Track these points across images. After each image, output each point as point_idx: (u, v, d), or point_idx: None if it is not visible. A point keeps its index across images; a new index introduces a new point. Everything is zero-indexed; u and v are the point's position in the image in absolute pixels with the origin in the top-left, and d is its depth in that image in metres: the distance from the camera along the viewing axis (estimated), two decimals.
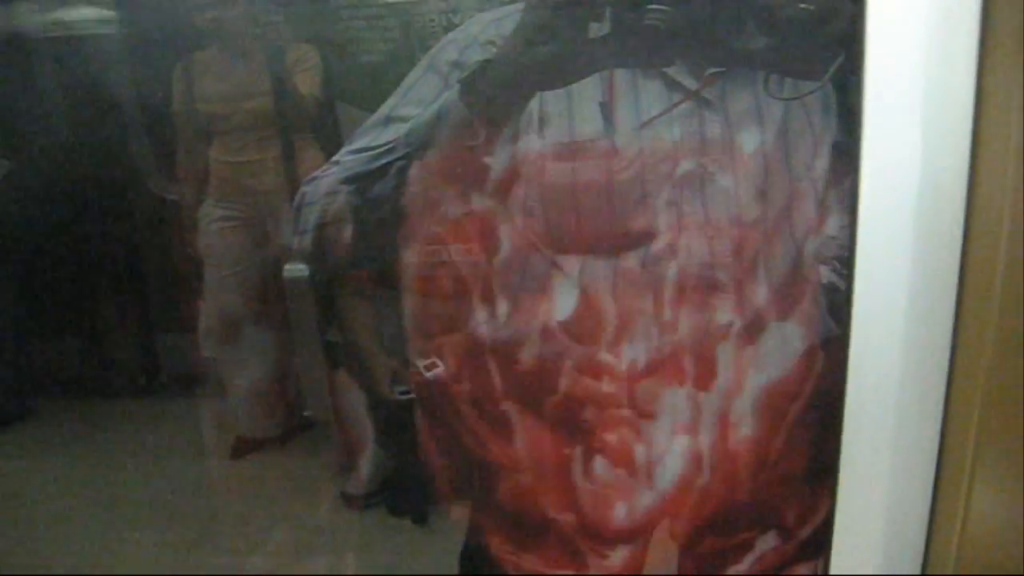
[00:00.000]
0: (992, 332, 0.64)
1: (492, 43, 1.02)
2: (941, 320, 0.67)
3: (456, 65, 1.04)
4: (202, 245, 2.68)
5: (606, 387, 1.06)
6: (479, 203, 1.10)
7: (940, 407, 0.70)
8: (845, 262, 0.76)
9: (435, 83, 1.04)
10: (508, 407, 1.16)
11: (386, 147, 1.02)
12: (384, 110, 1.07)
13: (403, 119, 1.04)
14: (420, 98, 1.04)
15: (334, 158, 1.08)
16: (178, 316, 2.84)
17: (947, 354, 0.68)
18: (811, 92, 0.99)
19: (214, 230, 2.66)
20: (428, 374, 2.17)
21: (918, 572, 0.75)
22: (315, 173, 1.09)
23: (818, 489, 1.06)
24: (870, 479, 0.73)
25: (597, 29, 0.93)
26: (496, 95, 0.94)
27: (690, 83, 1.01)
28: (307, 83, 2.51)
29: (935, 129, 0.64)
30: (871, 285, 0.68)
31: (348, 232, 1.05)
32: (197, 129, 2.61)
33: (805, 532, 1.15)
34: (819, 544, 0.99)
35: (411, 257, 2.27)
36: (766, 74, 0.99)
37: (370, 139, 1.05)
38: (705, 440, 1.10)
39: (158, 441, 2.88)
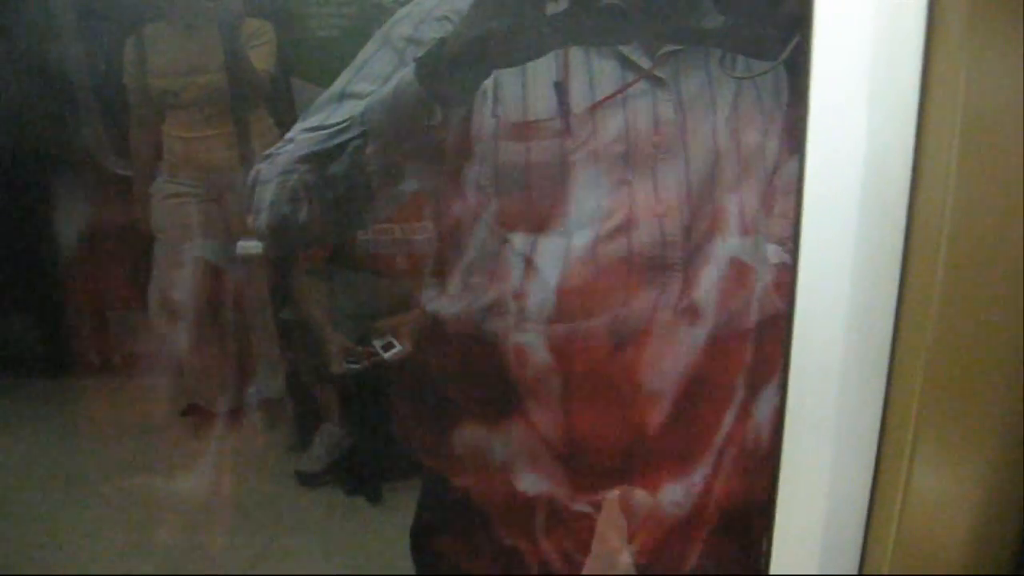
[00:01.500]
0: (934, 317, 0.65)
1: (447, 18, 1.02)
2: (884, 301, 0.68)
3: (411, 40, 1.03)
4: (154, 221, 2.65)
5: (557, 364, 1.07)
6: (432, 180, 1.10)
7: (881, 398, 0.71)
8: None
9: (390, 58, 1.04)
10: (461, 383, 1.16)
11: (342, 125, 1.00)
12: (338, 86, 1.06)
13: (358, 95, 1.03)
14: (375, 74, 1.03)
15: (288, 135, 1.06)
16: (131, 293, 2.79)
17: (889, 337, 0.69)
18: (765, 72, 1.00)
19: (167, 206, 2.63)
20: (386, 355, 2.19)
21: (855, 572, 0.76)
22: (269, 150, 1.07)
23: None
24: (810, 478, 0.74)
25: (554, 6, 0.93)
26: (453, 74, 0.93)
27: (644, 63, 1.01)
28: (261, 58, 2.48)
29: (880, 108, 0.64)
30: (815, 265, 0.69)
31: (304, 211, 1.04)
32: (149, 104, 2.57)
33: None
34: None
35: (365, 235, 2.27)
36: (722, 53, 1.00)
37: (324, 116, 1.04)
38: (652, 420, 1.12)
39: (111, 419, 2.85)
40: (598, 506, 1.22)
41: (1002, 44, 0.59)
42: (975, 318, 0.65)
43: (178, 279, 2.63)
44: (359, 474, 2.51)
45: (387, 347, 2.21)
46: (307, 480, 2.56)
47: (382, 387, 2.23)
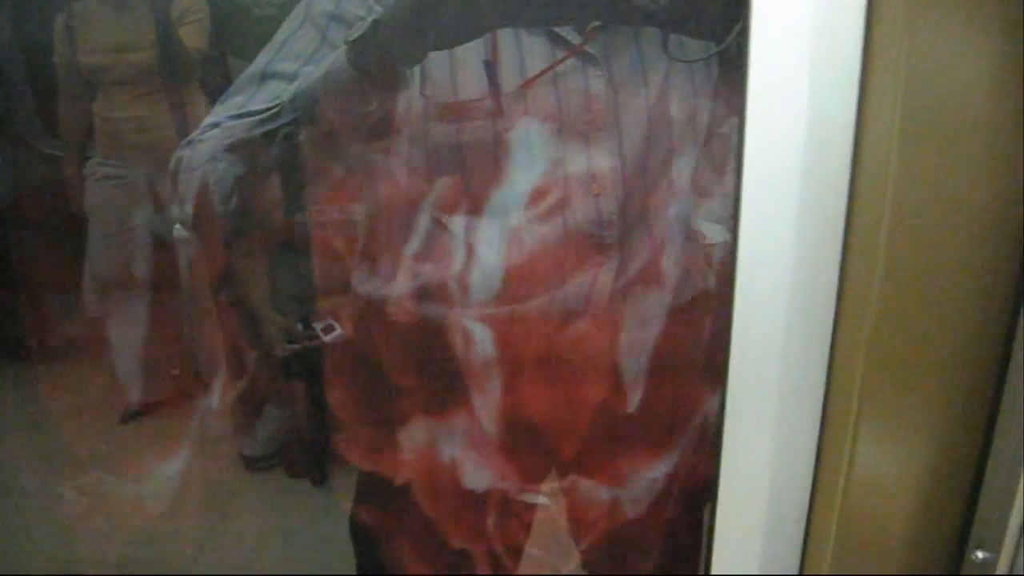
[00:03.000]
0: (875, 298, 0.65)
1: None
2: (825, 282, 0.69)
3: (332, 17, 1.00)
4: (87, 203, 2.59)
5: (493, 345, 1.06)
6: (363, 161, 1.08)
7: (822, 381, 0.72)
8: None
9: (312, 36, 1.01)
10: (401, 368, 1.15)
11: (270, 112, 0.97)
12: (259, 65, 1.03)
13: (280, 75, 1.00)
14: (296, 52, 1.01)
15: (209, 119, 1.03)
16: (64, 278, 2.73)
17: (830, 319, 0.70)
18: (712, 55, 0.99)
19: (100, 188, 2.57)
20: (326, 337, 2.17)
21: (795, 572, 0.77)
22: (191, 136, 1.03)
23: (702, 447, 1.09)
24: (751, 473, 0.74)
25: None
26: (387, 57, 0.91)
27: (574, 39, 1.00)
28: (193, 36, 2.42)
29: (821, 85, 0.64)
30: (756, 245, 0.69)
31: (233, 200, 1.01)
32: (79, 82, 2.50)
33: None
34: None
35: (300, 217, 2.24)
36: (662, 35, 1.00)
37: (247, 97, 1.01)
38: (591, 397, 1.12)
39: (46, 407, 2.80)
40: (542, 496, 1.22)
41: (943, 15, 0.60)
42: (916, 299, 0.66)
43: (112, 262, 2.58)
44: (303, 457, 2.49)
45: (327, 329, 2.18)
46: (251, 463, 2.54)
47: (325, 369, 2.21)
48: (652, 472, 1.17)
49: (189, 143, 1.02)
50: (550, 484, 1.22)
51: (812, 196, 0.66)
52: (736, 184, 0.68)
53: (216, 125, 1.01)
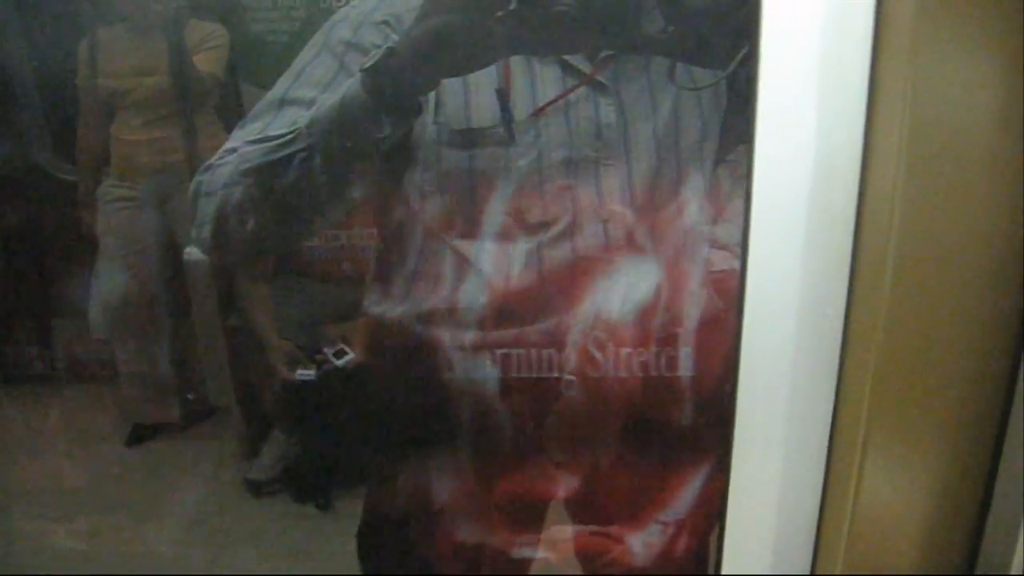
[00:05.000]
0: (883, 319, 0.66)
1: (386, 23, 1.01)
2: (833, 304, 0.69)
3: (350, 45, 1.02)
4: (100, 225, 2.61)
5: (502, 369, 1.07)
6: (376, 187, 1.09)
7: (831, 400, 0.72)
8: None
9: (329, 64, 1.02)
10: (406, 388, 1.16)
11: (286, 138, 0.97)
12: (277, 92, 1.04)
13: (298, 101, 1.02)
14: (315, 79, 1.02)
15: (228, 144, 1.04)
16: (75, 300, 2.75)
17: (838, 340, 0.70)
18: (714, 83, 1.01)
19: (113, 210, 2.59)
20: (338, 362, 2.17)
21: (807, 572, 0.77)
22: (210, 160, 1.03)
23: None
24: (761, 478, 0.74)
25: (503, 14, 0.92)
26: (401, 84, 0.92)
27: (585, 67, 1.02)
28: (210, 62, 2.45)
29: (829, 112, 0.65)
30: (764, 271, 0.69)
31: (250, 224, 1.01)
32: (98, 105, 2.54)
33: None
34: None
35: (312, 242, 2.26)
36: (670, 63, 1.01)
37: (265, 123, 1.02)
38: (598, 432, 1.13)
39: (54, 428, 2.80)
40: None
41: (949, 46, 0.60)
42: (924, 319, 0.66)
43: (122, 284, 2.60)
44: (309, 482, 2.49)
45: (339, 354, 2.20)
46: (257, 489, 2.53)
47: (331, 394, 2.22)
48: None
49: (208, 168, 1.03)
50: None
51: (819, 222, 0.67)
52: (745, 210, 0.69)
53: (234, 151, 1.02)
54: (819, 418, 0.72)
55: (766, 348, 0.71)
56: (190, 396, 2.71)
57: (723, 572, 0.77)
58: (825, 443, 0.73)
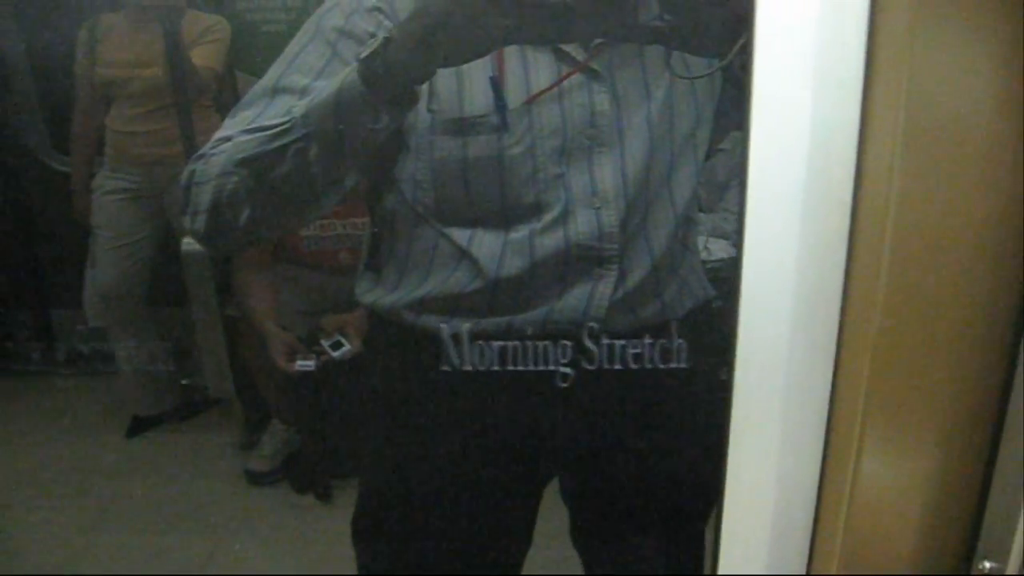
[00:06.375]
0: (879, 309, 0.65)
1: (379, 9, 1.00)
2: (829, 294, 0.69)
3: (343, 32, 1.01)
4: (95, 216, 2.61)
5: (496, 357, 1.07)
6: (370, 175, 1.09)
7: (827, 391, 0.71)
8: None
9: (322, 51, 1.01)
10: (402, 378, 1.16)
11: (281, 127, 0.96)
12: (270, 79, 1.03)
13: (290, 89, 1.01)
14: (307, 66, 1.01)
15: (221, 133, 1.02)
16: (74, 291, 2.75)
17: (835, 330, 0.70)
18: (715, 70, 1.00)
19: (108, 201, 2.59)
20: (335, 353, 2.18)
21: (803, 572, 0.76)
22: (203, 150, 1.02)
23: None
24: (757, 477, 0.74)
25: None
26: (398, 74, 0.90)
27: (579, 54, 1.01)
28: (209, 54, 2.45)
29: (825, 97, 0.64)
30: (760, 260, 0.69)
31: (245, 215, 1.00)
32: (95, 94, 2.54)
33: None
34: None
35: (308, 232, 2.25)
36: (668, 52, 1.00)
37: (257, 112, 1.01)
38: (590, 418, 1.13)
39: (54, 419, 2.82)
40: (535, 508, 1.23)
41: (946, 32, 0.60)
42: (921, 308, 0.66)
43: (118, 274, 2.60)
44: (309, 472, 2.50)
45: (336, 346, 2.20)
46: (257, 479, 2.54)
47: (330, 385, 2.22)
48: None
49: (201, 157, 1.02)
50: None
51: (816, 209, 0.66)
52: (740, 198, 0.68)
53: (228, 139, 1.00)
54: (815, 410, 0.72)
55: (762, 337, 0.70)
56: (184, 382, 2.71)
57: (719, 572, 0.77)
58: (822, 439, 0.72)
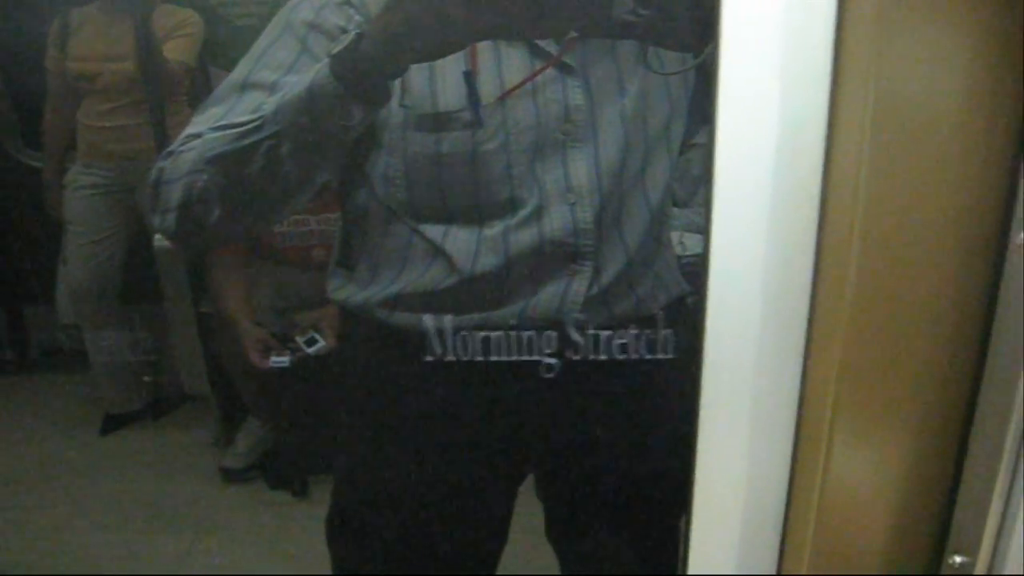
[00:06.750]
0: (848, 303, 0.65)
1: (348, 3, 0.99)
2: (798, 288, 0.69)
3: (313, 27, 1.00)
4: (67, 211, 2.59)
5: (469, 353, 1.06)
6: (342, 172, 1.08)
7: (797, 386, 0.71)
8: None
9: (292, 45, 1.00)
10: (376, 375, 1.15)
11: (252, 124, 0.95)
12: (239, 75, 1.02)
13: (260, 85, 0.99)
14: (276, 63, 1.00)
15: (189, 130, 1.01)
16: (47, 288, 2.73)
17: (804, 324, 0.70)
18: (691, 67, 1.00)
19: (80, 197, 2.57)
20: (309, 349, 2.17)
21: (774, 572, 0.76)
22: (171, 147, 1.01)
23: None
24: (726, 476, 0.74)
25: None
26: (371, 70, 0.89)
27: (553, 50, 1.01)
28: (181, 50, 2.43)
29: (793, 88, 0.64)
30: (728, 253, 0.68)
31: (216, 213, 0.99)
32: (66, 88, 2.51)
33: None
34: None
35: (281, 228, 2.24)
36: (644, 47, 1.00)
37: (226, 108, 1.00)
38: (565, 418, 1.12)
39: (28, 417, 2.80)
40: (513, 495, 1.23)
41: (914, 23, 0.60)
42: (890, 302, 0.66)
43: (91, 270, 2.57)
44: (284, 469, 2.49)
45: (310, 342, 2.19)
46: (232, 476, 2.52)
47: (305, 381, 2.21)
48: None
49: (170, 154, 1.00)
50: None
51: (784, 202, 0.66)
52: (707, 190, 0.68)
53: (197, 136, 0.99)
54: (785, 408, 0.72)
55: (731, 333, 0.70)
56: (151, 379, 2.69)
57: (689, 572, 0.77)
58: (791, 437, 0.73)
